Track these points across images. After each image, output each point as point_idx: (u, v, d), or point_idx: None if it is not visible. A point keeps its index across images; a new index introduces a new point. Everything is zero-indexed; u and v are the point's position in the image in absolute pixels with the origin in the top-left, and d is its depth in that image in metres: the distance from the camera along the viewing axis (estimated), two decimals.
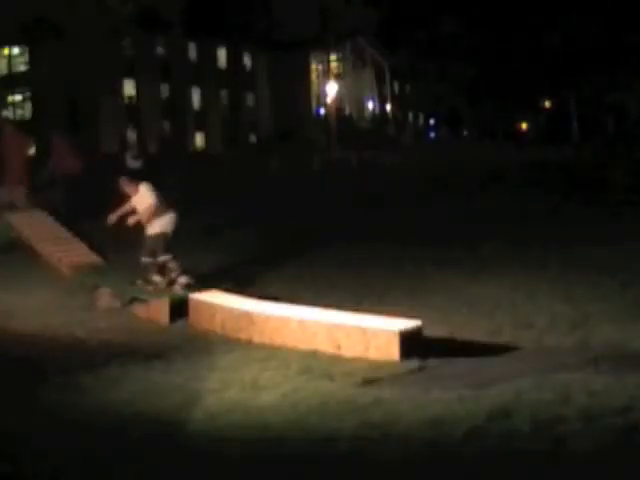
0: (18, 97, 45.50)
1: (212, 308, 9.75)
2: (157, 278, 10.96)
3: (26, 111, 44.77)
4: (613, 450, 4.69)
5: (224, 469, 5.06)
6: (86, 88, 40.63)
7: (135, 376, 7.49)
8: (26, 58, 44.74)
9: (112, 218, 11.19)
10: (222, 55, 51.45)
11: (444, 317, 9.19)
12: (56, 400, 6.78)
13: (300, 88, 53.69)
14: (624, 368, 6.50)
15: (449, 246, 14.24)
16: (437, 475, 4.72)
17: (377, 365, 7.41)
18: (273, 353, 8.15)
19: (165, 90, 47.58)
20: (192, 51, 49.21)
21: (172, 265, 10.88)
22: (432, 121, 64.58)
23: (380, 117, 60.81)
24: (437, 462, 4.87)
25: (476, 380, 6.52)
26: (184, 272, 10.95)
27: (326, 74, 56.08)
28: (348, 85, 57.72)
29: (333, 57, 59.25)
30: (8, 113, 43.94)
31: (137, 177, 11.57)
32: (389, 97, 61.05)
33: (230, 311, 9.46)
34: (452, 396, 6.00)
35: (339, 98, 52.62)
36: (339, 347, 8.03)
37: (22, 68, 44.83)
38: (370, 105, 61.43)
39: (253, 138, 51.97)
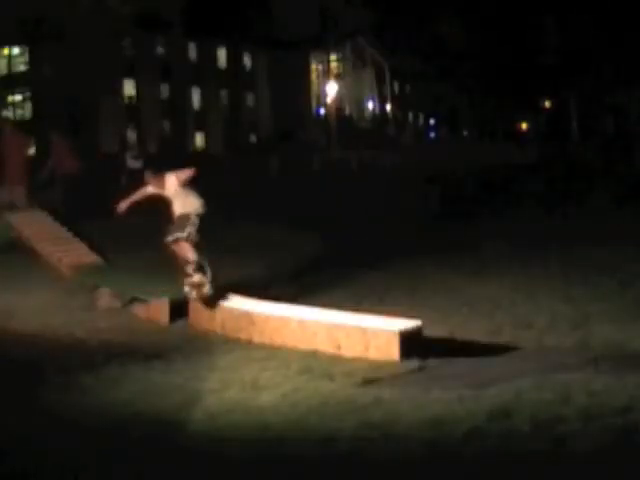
0: (18, 97, 45.50)
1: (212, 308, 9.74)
2: (197, 277, 9.87)
3: (26, 111, 44.78)
4: (613, 450, 4.69)
5: (224, 469, 5.06)
6: (86, 88, 40.62)
7: (135, 376, 7.49)
8: (26, 58, 44.75)
9: (122, 207, 10.42)
10: (222, 55, 51.46)
11: (444, 317, 9.19)
12: (56, 400, 6.78)
13: (300, 88, 53.71)
14: (624, 368, 6.50)
15: (449, 246, 14.25)
16: (437, 475, 4.72)
17: (377, 365, 7.40)
18: (273, 353, 8.15)
19: (165, 90, 47.60)
20: (192, 51, 49.22)
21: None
22: (432, 121, 64.59)
23: (380, 117, 60.82)
24: (437, 462, 4.87)
25: (476, 380, 6.52)
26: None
27: (326, 74, 56.11)
28: (348, 85, 57.74)
29: (333, 57, 59.27)
30: (8, 113, 43.94)
31: (161, 169, 10.64)
32: (389, 97, 61.07)
33: (230, 311, 9.46)
34: (452, 396, 6.00)
35: (339, 98, 52.63)
36: (339, 347, 8.02)
37: (22, 68, 44.84)
38: (370, 105, 61.45)
39: (253, 138, 51.97)
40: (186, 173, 10.06)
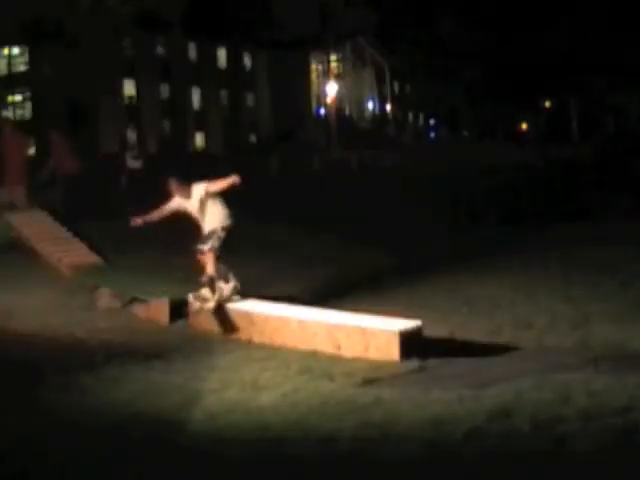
0: (18, 97, 45.50)
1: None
2: (221, 285, 9.63)
3: (26, 111, 44.78)
4: (613, 450, 4.69)
5: (224, 469, 5.06)
6: (86, 88, 40.62)
7: (135, 376, 7.49)
8: (26, 58, 44.75)
9: (140, 220, 10.02)
10: (222, 55, 51.47)
11: (444, 317, 9.20)
12: (56, 400, 6.78)
13: (300, 88, 53.71)
14: (624, 368, 6.50)
15: (449, 245, 14.26)
16: (437, 475, 4.72)
17: (377, 365, 7.41)
18: (273, 353, 8.15)
19: (165, 90, 47.61)
20: (192, 51, 49.23)
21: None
22: (432, 121, 64.60)
23: (380, 117, 60.83)
24: (437, 462, 4.86)
25: (476, 380, 6.52)
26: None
27: (326, 74, 56.11)
28: (348, 85, 57.75)
29: (333, 57, 59.27)
30: (8, 113, 43.94)
31: (188, 177, 9.94)
32: (389, 97, 61.07)
33: (230, 311, 9.46)
34: (452, 396, 6.00)
35: (339, 98, 52.64)
36: (339, 347, 8.03)
37: (22, 68, 44.84)
38: (370, 105, 61.45)
39: (253, 138, 51.97)
40: (221, 184, 9.37)
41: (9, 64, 45.32)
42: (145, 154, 29.19)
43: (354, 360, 7.64)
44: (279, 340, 8.59)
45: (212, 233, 9.36)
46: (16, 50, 45.19)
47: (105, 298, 11.48)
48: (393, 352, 7.58)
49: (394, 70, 59.21)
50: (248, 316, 9.16)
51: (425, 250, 14.08)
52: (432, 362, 7.33)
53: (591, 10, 39.87)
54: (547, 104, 55.61)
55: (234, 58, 51.71)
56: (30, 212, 17.06)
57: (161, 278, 12.42)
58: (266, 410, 6.21)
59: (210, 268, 9.37)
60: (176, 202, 9.80)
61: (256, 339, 8.82)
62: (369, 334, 7.86)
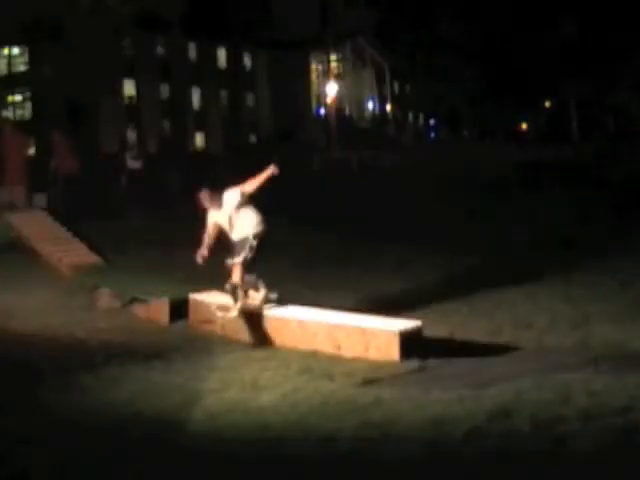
0: (18, 97, 45.46)
1: (212, 308, 9.73)
2: (252, 294, 9.25)
3: (26, 111, 44.73)
4: (613, 450, 4.69)
5: (224, 469, 5.06)
6: (86, 88, 40.58)
7: (135, 376, 7.49)
8: (26, 58, 44.70)
9: (203, 254, 9.14)
10: (222, 55, 51.43)
11: (444, 317, 9.20)
12: (56, 400, 6.78)
13: (300, 88, 53.67)
14: (624, 368, 6.50)
15: (449, 246, 14.26)
16: (437, 475, 4.72)
17: (377, 365, 7.41)
18: (273, 353, 8.16)
19: (165, 90, 47.56)
20: (192, 51, 49.18)
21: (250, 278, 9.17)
22: (432, 121, 64.58)
23: (380, 117, 60.81)
24: (437, 462, 4.87)
25: (476, 380, 6.52)
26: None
27: (326, 74, 56.07)
28: (348, 85, 57.71)
29: (333, 57, 59.23)
30: (8, 113, 43.91)
31: (220, 185, 9.41)
32: (389, 97, 61.06)
33: (261, 320, 9.40)
34: (452, 396, 6.00)
35: (339, 98, 52.62)
36: (339, 347, 8.02)
37: (22, 68, 44.79)
38: (370, 105, 61.44)
39: (253, 138, 51.95)
40: (258, 181, 8.97)
41: (9, 64, 45.27)
42: (145, 154, 29.22)
43: (354, 360, 7.65)
44: (279, 340, 8.59)
45: (244, 242, 8.85)
46: (16, 50, 45.16)
47: (105, 298, 11.49)
48: (393, 352, 7.58)
49: (394, 70, 59.18)
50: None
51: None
52: (432, 362, 7.33)
53: (591, 10, 39.89)
54: (547, 104, 55.60)
55: (234, 58, 51.67)
56: (30, 212, 17.08)
57: (161, 278, 12.44)
58: (266, 410, 6.21)
59: (236, 277, 8.89)
60: (213, 217, 9.26)
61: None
62: (369, 334, 7.86)
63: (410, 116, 64.26)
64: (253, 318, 9.01)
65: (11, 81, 44.20)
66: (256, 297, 9.12)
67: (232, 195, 9.06)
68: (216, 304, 9.35)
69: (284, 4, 50.89)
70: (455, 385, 6.39)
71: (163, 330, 9.97)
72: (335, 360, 7.71)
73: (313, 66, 57.53)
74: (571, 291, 10.16)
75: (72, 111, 39.06)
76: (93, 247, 15.03)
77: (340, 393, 6.51)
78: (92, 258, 14.48)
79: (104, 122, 42.00)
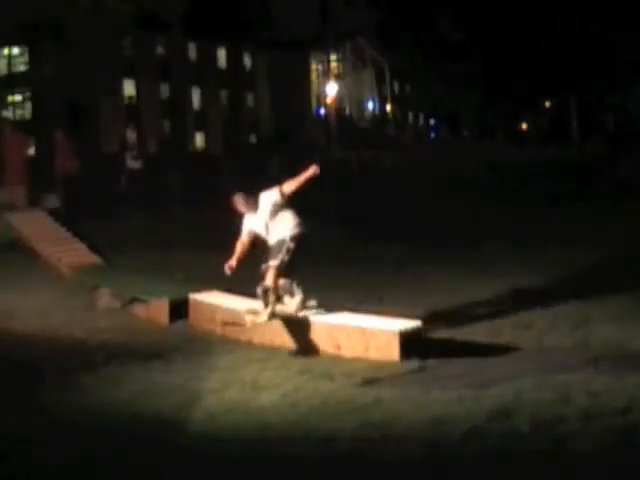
0: (18, 97, 45.47)
1: (212, 308, 9.74)
2: (287, 300, 8.79)
3: (26, 111, 44.73)
4: (613, 450, 4.69)
5: (224, 469, 5.06)
6: (86, 88, 40.58)
7: (135, 376, 7.49)
8: (26, 58, 44.70)
9: (231, 265, 8.66)
10: (222, 55, 51.44)
11: (444, 317, 9.19)
12: (56, 400, 6.78)
13: (300, 88, 53.67)
14: (624, 368, 6.50)
15: (449, 246, 14.27)
16: (437, 475, 4.72)
17: (377, 365, 7.41)
18: (273, 353, 8.15)
19: (165, 90, 47.56)
20: (192, 51, 49.19)
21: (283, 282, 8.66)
22: (432, 121, 64.59)
23: (380, 117, 60.82)
24: (437, 462, 4.87)
25: (476, 380, 6.52)
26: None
27: (326, 74, 56.09)
28: (348, 85, 57.73)
29: (333, 57, 59.25)
30: (8, 113, 43.92)
31: (254, 190, 8.89)
32: (389, 97, 61.07)
33: (230, 311, 9.45)
34: (452, 396, 6.01)
35: (339, 98, 52.62)
36: (339, 347, 8.02)
37: (22, 68, 44.79)
38: (370, 105, 61.45)
39: (253, 138, 51.96)
40: (299, 181, 8.46)
41: (9, 64, 45.28)
42: (145, 154, 29.25)
43: (354, 360, 7.65)
44: (279, 340, 8.58)
45: (280, 245, 8.37)
46: (16, 50, 45.16)
47: (105, 298, 11.49)
48: (393, 352, 7.58)
49: (394, 70, 59.21)
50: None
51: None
52: (432, 362, 7.33)
53: (591, 9, 39.87)
54: (547, 104, 55.60)
55: (234, 58, 51.67)
56: (30, 212, 17.09)
57: (161, 278, 12.44)
58: (266, 410, 6.21)
59: (269, 280, 8.36)
60: (249, 223, 8.74)
61: (256, 339, 8.82)
62: (369, 334, 7.86)
63: (410, 116, 64.28)
64: (298, 325, 8.50)
65: (11, 81, 44.20)
66: (291, 303, 8.65)
67: (269, 197, 8.55)
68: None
69: (284, 4, 50.89)
70: (455, 385, 6.39)
71: (163, 330, 9.97)
72: (335, 360, 7.71)
73: (313, 66, 57.55)
74: (571, 291, 10.16)
75: (72, 111, 39.06)
76: (93, 247, 15.03)
77: (340, 393, 6.51)
78: (92, 258, 14.48)
79: (104, 122, 41.99)
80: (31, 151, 32.99)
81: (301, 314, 8.59)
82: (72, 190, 18.41)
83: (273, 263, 8.33)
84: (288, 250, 8.35)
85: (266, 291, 8.41)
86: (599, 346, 7.58)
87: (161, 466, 5.17)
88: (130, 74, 45.14)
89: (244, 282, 11.35)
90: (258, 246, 8.73)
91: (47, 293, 12.25)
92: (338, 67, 59.76)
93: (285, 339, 8.55)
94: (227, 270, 8.58)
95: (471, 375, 6.80)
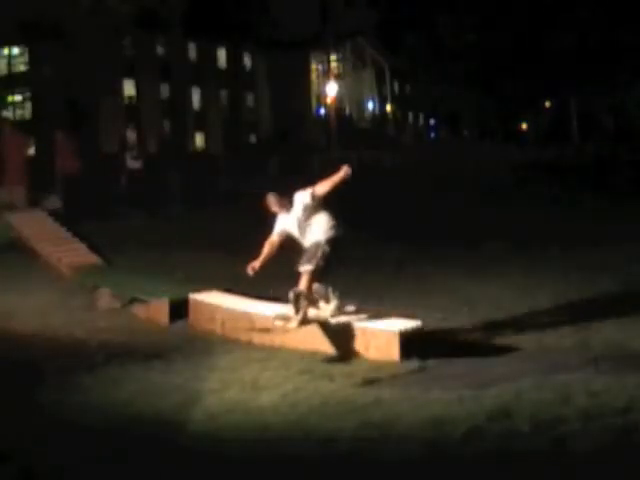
0: (18, 97, 45.47)
1: (212, 308, 9.74)
2: (322, 306, 8.45)
3: (26, 111, 44.72)
4: (613, 450, 4.69)
5: (224, 469, 5.07)
6: (86, 88, 40.58)
7: (135, 376, 7.49)
8: (26, 58, 44.69)
9: (254, 266, 8.30)
10: (222, 55, 51.43)
11: (444, 317, 9.19)
12: (56, 400, 6.78)
13: (300, 88, 53.65)
14: (624, 368, 6.51)
15: (449, 246, 14.26)
16: (437, 475, 4.72)
17: (377, 365, 7.41)
18: (273, 353, 8.15)
19: (165, 90, 47.55)
20: (192, 51, 49.18)
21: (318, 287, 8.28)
22: (432, 121, 64.61)
23: (380, 117, 60.83)
24: (437, 462, 4.87)
25: (476, 380, 6.52)
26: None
27: (326, 74, 56.08)
28: (348, 85, 57.74)
29: (333, 57, 59.24)
30: (8, 113, 43.92)
31: (288, 190, 8.50)
32: (389, 97, 61.09)
33: (230, 311, 9.45)
34: (452, 396, 6.01)
35: (339, 98, 52.63)
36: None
37: (22, 68, 44.79)
38: (370, 105, 61.47)
39: (253, 138, 51.96)
40: (331, 183, 8.09)
41: (9, 64, 45.28)
42: (145, 154, 29.24)
43: (354, 360, 7.64)
44: (279, 340, 8.58)
45: (315, 248, 8.03)
46: (16, 50, 45.16)
47: (105, 298, 11.49)
48: (393, 352, 7.58)
49: (394, 70, 59.22)
50: (248, 316, 9.15)
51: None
52: (432, 362, 7.33)
53: (591, 9, 39.88)
54: (547, 104, 55.58)
55: (234, 58, 51.67)
56: (30, 212, 17.09)
57: (161, 278, 12.44)
58: (266, 410, 6.21)
59: (302, 285, 8.00)
60: (281, 223, 8.41)
61: (256, 340, 8.81)
62: (369, 334, 7.86)
63: (410, 116, 64.28)
64: (334, 330, 8.19)
65: (11, 81, 44.19)
66: (326, 308, 8.29)
67: (302, 198, 8.20)
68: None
69: (284, 4, 50.88)
70: (455, 385, 6.40)
71: (163, 330, 9.97)
72: (335, 360, 7.71)
73: (313, 66, 57.54)
74: (571, 291, 10.16)
75: (72, 111, 39.07)
76: (93, 247, 15.02)
77: (340, 393, 6.51)
78: (92, 258, 14.48)
79: (104, 122, 41.98)
80: (31, 151, 32.97)
81: (337, 320, 8.25)
82: (72, 190, 18.40)
83: (307, 267, 7.97)
84: (323, 254, 8.00)
85: (298, 296, 8.00)
86: (599, 346, 7.58)
87: (161, 466, 5.17)
88: (130, 74, 45.13)
89: (244, 282, 11.37)
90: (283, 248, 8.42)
91: (47, 293, 12.24)
92: (338, 67, 59.75)
93: (286, 339, 8.55)
94: (249, 271, 8.26)
95: (471, 375, 6.81)
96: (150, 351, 8.57)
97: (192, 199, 20.40)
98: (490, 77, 45.25)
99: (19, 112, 44.80)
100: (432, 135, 63.39)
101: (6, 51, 45.35)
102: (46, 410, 6.50)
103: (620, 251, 12.45)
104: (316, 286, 8.16)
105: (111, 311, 11.04)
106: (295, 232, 8.26)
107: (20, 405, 6.61)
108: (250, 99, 53.15)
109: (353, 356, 7.89)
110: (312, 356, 7.88)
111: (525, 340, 8.11)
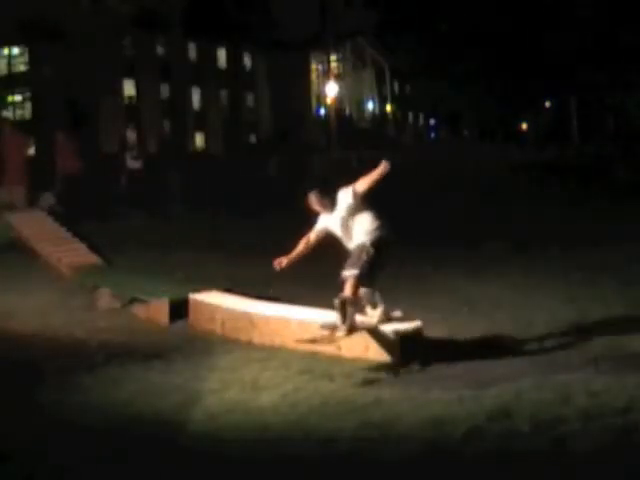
0: (18, 97, 45.49)
1: (212, 308, 9.74)
2: (369, 312, 8.00)
3: (26, 111, 44.75)
4: (613, 450, 4.69)
5: (224, 469, 5.07)
6: (86, 88, 40.60)
7: (135, 376, 7.49)
8: (26, 58, 44.72)
9: (281, 262, 7.98)
10: (222, 55, 51.46)
11: (444, 317, 9.20)
12: (56, 400, 6.78)
13: (300, 88, 53.69)
14: (624, 368, 6.51)
15: (449, 246, 14.26)
16: (437, 475, 4.73)
17: (377, 365, 7.40)
18: (273, 353, 8.15)
19: (165, 90, 47.58)
20: (192, 51, 49.21)
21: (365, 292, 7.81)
22: (432, 121, 64.64)
23: (380, 117, 60.87)
24: (437, 462, 4.87)
25: (476, 380, 6.52)
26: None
27: (326, 74, 56.10)
28: (348, 85, 57.78)
29: (333, 57, 59.27)
30: (8, 113, 43.93)
31: (331, 187, 8.08)
32: (389, 97, 61.12)
33: (230, 311, 9.46)
34: (452, 396, 6.01)
35: (339, 98, 52.65)
36: (339, 348, 8.02)
37: (22, 68, 44.82)
38: (370, 105, 61.50)
39: (253, 138, 51.98)
40: (370, 179, 7.67)
41: (9, 64, 45.30)
42: (145, 154, 29.24)
43: (354, 360, 7.64)
44: (279, 340, 8.58)
45: (360, 251, 7.59)
46: (16, 50, 45.18)
47: (105, 298, 11.48)
48: (393, 352, 7.58)
49: (394, 70, 59.24)
50: (248, 316, 9.15)
51: None
52: (432, 362, 7.32)
53: (592, 10, 39.87)
54: (547, 104, 55.59)
55: (234, 58, 51.69)
56: (30, 212, 17.08)
57: (161, 278, 12.44)
58: (266, 410, 6.22)
59: (347, 291, 7.54)
60: (323, 222, 7.98)
61: (256, 340, 8.82)
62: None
63: (410, 116, 64.32)
64: (383, 337, 7.80)
65: (11, 81, 44.22)
66: (373, 314, 7.88)
67: (344, 196, 7.76)
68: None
69: (284, 4, 50.91)
70: (455, 385, 6.40)
71: (163, 330, 9.97)
72: (335, 360, 7.70)
73: (313, 66, 57.59)
74: (571, 291, 10.16)
75: (72, 111, 39.08)
76: (93, 247, 15.01)
77: (340, 393, 6.52)
78: (92, 258, 14.47)
79: (104, 122, 42.00)
80: (31, 151, 32.99)
81: (383, 326, 7.85)
82: (72, 190, 18.42)
83: (352, 272, 7.50)
84: (368, 257, 7.52)
85: (344, 303, 7.53)
86: (599, 346, 7.58)
87: (161, 466, 5.17)
88: (130, 74, 45.16)
89: (245, 282, 11.39)
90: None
91: (47, 293, 12.24)
92: (338, 67, 59.80)
93: (285, 339, 8.55)
94: (276, 266, 7.95)
95: (471, 375, 6.81)
96: (150, 351, 8.58)
97: (192, 199, 20.41)
98: (490, 77, 45.26)
99: (19, 112, 44.82)
100: (432, 135, 63.40)
101: (6, 51, 45.37)
102: (46, 410, 6.50)
103: (620, 251, 12.44)
104: (362, 291, 7.71)
105: (111, 311, 11.04)
106: (338, 233, 7.85)
107: (20, 405, 6.62)
108: (250, 99, 53.18)
109: (400, 364, 7.45)
110: (312, 356, 7.88)
111: (525, 340, 8.11)
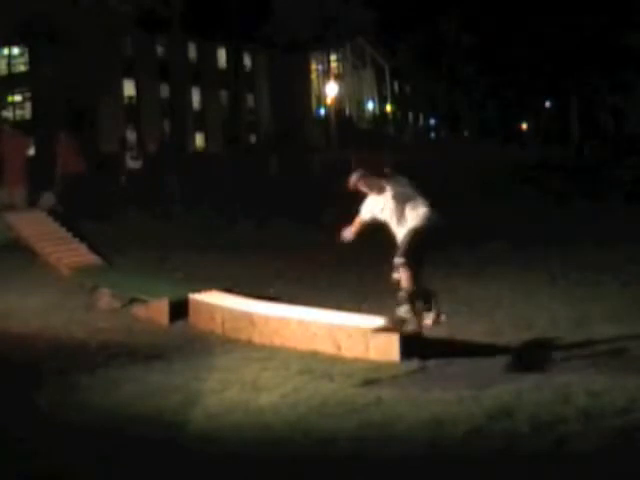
0: (18, 97, 45.52)
1: (212, 308, 9.74)
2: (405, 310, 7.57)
3: (26, 111, 44.79)
4: (613, 450, 4.69)
5: (224, 469, 5.06)
6: (86, 88, 40.63)
7: (135, 376, 7.48)
8: (26, 58, 44.77)
9: (347, 235, 7.78)
10: (222, 55, 51.52)
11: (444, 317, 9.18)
12: (55, 401, 6.78)
13: (300, 88, 53.74)
14: (624, 368, 6.50)
15: (449, 245, 14.23)
16: (437, 475, 4.72)
17: (377, 365, 7.40)
18: (273, 354, 8.15)
19: (165, 90, 47.63)
20: (192, 51, 49.27)
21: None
22: (432, 121, 64.65)
23: (380, 117, 60.89)
24: (437, 462, 4.87)
25: (476, 380, 6.52)
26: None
27: (326, 74, 56.13)
28: (348, 85, 57.81)
29: (333, 57, 59.32)
30: (8, 113, 43.97)
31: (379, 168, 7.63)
32: (389, 97, 61.13)
33: (230, 311, 9.45)
34: (452, 396, 6.01)
35: (339, 98, 52.68)
36: (339, 348, 8.02)
37: (22, 68, 44.86)
38: (370, 105, 61.51)
39: (253, 138, 52.01)
40: None
41: (9, 64, 45.33)
42: (145, 154, 29.20)
43: (354, 360, 7.64)
44: (279, 340, 8.58)
45: (412, 236, 7.31)
46: (16, 50, 45.21)
47: (105, 298, 11.47)
48: (393, 352, 7.58)
49: (394, 70, 59.27)
50: (248, 316, 9.15)
51: None
52: (432, 362, 7.32)
53: (592, 10, 39.88)
54: (547, 104, 55.60)
55: (234, 58, 51.72)
56: (30, 212, 17.06)
57: (161, 278, 12.43)
58: (266, 410, 6.21)
59: (407, 282, 7.25)
60: (370, 204, 7.59)
61: (256, 339, 8.81)
62: (369, 334, 7.85)
63: (410, 116, 64.35)
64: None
65: (11, 81, 44.26)
66: (428, 316, 7.69)
67: (395, 180, 7.35)
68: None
69: (284, 4, 50.93)
70: (455, 385, 6.40)
71: (163, 330, 9.96)
72: (335, 360, 7.70)
73: (313, 66, 57.65)
74: (571, 291, 10.15)
75: (72, 111, 39.09)
76: (93, 247, 14.99)
77: (340, 393, 6.51)
78: (92, 258, 14.44)
79: (104, 122, 42.02)
80: (31, 151, 32.99)
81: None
82: (72, 190, 18.40)
83: (401, 260, 7.17)
84: (416, 243, 7.23)
85: (411, 295, 7.30)
86: (599, 346, 7.58)
87: (161, 466, 5.17)
88: (130, 74, 45.20)
89: (245, 282, 11.37)
90: None
91: (47, 293, 12.22)
92: (338, 67, 59.85)
93: (286, 339, 8.55)
94: (345, 235, 7.70)
95: (471, 375, 6.81)
96: (150, 351, 8.57)
97: (192, 199, 20.40)
98: (490, 77, 45.27)
99: (19, 112, 44.87)
100: (432, 135, 63.41)
101: (6, 51, 45.42)
102: (46, 411, 6.50)
103: (620, 251, 12.44)
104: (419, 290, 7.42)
105: (111, 311, 11.02)
106: (387, 219, 7.46)
107: (20, 406, 6.61)
108: (250, 99, 53.24)
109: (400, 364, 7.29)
110: (312, 356, 7.88)
111: (525, 340, 8.11)
